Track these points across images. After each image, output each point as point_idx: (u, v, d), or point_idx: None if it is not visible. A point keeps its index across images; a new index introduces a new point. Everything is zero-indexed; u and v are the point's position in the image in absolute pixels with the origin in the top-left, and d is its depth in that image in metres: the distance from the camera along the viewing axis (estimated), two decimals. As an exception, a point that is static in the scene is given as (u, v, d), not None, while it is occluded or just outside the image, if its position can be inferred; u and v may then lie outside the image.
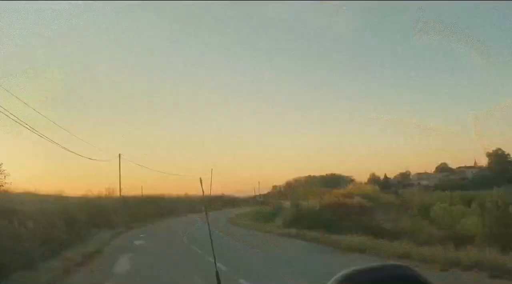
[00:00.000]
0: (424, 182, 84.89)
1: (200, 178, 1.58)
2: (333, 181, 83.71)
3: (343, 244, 12.01)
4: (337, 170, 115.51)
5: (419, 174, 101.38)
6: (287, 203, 41.15)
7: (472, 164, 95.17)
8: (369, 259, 9.69)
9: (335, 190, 46.28)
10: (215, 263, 1.51)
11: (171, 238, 15.44)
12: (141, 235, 15.84)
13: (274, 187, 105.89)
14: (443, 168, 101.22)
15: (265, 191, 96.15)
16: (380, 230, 15.14)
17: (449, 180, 79.81)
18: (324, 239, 13.54)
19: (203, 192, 1.56)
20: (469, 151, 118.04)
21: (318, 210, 22.95)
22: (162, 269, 8.94)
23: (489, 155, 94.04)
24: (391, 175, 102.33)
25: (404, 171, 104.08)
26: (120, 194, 29.38)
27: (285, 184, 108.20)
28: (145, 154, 79.35)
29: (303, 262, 10.03)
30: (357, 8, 73.98)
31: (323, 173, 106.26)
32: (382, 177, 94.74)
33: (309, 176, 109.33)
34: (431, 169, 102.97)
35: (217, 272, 1.52)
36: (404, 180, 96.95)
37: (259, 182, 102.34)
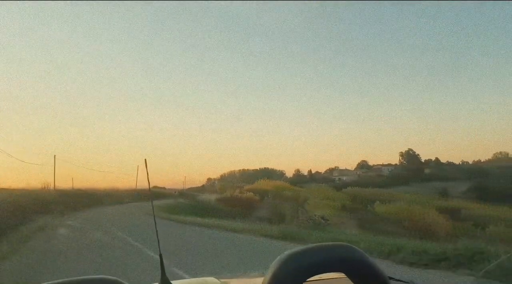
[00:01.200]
0: (344, 178, 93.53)
1: (145, 160, 1.41)
2: (266, 174, 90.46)
3: (187, 221, 19.74)
4: (272, 165, 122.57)
5: (341, 170, 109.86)
6: (203, 196, 46.92)
7: (397, 162, 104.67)
8: (186, 225, 17.90)
9: (247, 186, 53.00)
10: (159, 247, 1.41)
11: (94, 221, 21.85)
12: (72, 219, 21.97)
13: (209, 179, 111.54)
14: (362, 165, 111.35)
15: (200, 184, 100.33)
16: (240, 215, 22.48)
17: (366, 177, 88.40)
18: (181, 220, 20.84)
19: (147, 175, 1.41)
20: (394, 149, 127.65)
21: (214, 203, 29.91)
22: (86, 233, 15.56)
23: (401, 154, 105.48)
24: (322, 170, 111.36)
25: (333, 166, 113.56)
26: (54, 188, 36.02)
27: (220, 177, 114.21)
28: (79, 149, 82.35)
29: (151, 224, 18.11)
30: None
31: (257, 167, 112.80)
32: (314, 171, 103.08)
33: (243, 170, 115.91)
34: (352, 166, 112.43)
35: (160, 255, 1.40)
36: (329, 175, 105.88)
37: (185, 177, 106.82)
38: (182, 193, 52.78)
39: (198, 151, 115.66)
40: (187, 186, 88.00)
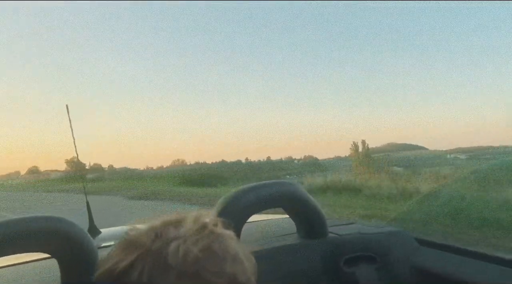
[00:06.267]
0: (14, 182, 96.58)
1: (67, 105, 1.34)
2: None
3: None
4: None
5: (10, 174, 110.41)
6: None
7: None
8: None
9: None
10: (85, 194, 1.44)
11: None
12: None
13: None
14: (33, 171, 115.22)
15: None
16: None
17: (32, 181, 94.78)
18: None
19: (70, 122, 1.33)
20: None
21: None
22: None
23: (67, 161, 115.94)
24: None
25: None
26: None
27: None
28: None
29: None
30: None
31: None
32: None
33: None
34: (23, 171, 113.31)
35: (87, 203, 1.46)
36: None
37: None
38: None
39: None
40: None
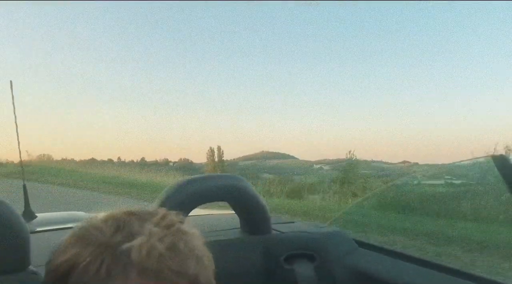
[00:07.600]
0: None
1: (11, 81, 1.26)
2: None
3: None
4: None
5: None
6: None
7: None
8: None
9: None
10: (23, 177, 1.41)
11: None
12: None
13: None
14: None
15: None
16: None
17: None
18: None
19: (12, 98, 1.26)
20: None
21: None
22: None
23: None
24: None
25: None
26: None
27: None
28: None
29: None
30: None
31: None
32: None
33: None
34: None
35: (24, 186, 1.43)
36: None
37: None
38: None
39: None
40: None
